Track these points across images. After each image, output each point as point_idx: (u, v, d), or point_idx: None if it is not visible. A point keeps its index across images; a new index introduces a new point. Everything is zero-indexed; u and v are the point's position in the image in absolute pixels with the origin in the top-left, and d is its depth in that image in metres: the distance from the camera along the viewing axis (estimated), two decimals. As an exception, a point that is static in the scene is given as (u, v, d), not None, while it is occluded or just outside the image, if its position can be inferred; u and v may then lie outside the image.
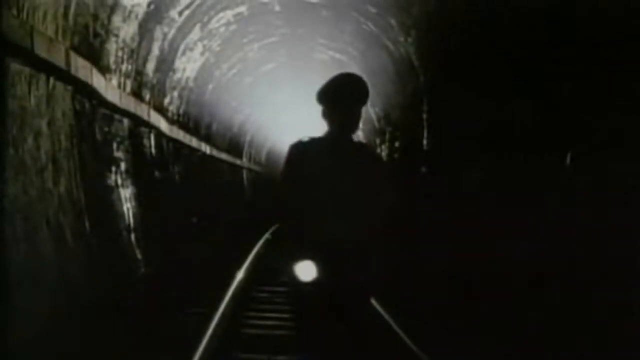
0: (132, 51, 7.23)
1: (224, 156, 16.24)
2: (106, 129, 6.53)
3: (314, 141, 3.67)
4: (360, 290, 3.64)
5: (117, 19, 6.42)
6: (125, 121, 7.29)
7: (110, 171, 6.60)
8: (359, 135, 15.35)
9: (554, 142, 5.04)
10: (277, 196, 3.72)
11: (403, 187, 9.82)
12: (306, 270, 3.50)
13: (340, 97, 3.60)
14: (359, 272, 3.56)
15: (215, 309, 6.80)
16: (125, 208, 6.87)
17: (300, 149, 3.65)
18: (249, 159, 22.23)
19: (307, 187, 3.56)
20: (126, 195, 6.99)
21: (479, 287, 5.98)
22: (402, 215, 3.68)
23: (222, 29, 10.66)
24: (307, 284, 3.52)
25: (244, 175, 20.74)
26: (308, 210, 3.56)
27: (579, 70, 4.64)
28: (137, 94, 7.77)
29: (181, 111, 11.12)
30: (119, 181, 6.84)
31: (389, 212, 3.65)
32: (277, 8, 10.40)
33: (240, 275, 8.98)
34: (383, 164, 3.99)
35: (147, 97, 8.40)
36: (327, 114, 3.67)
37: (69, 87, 5.17)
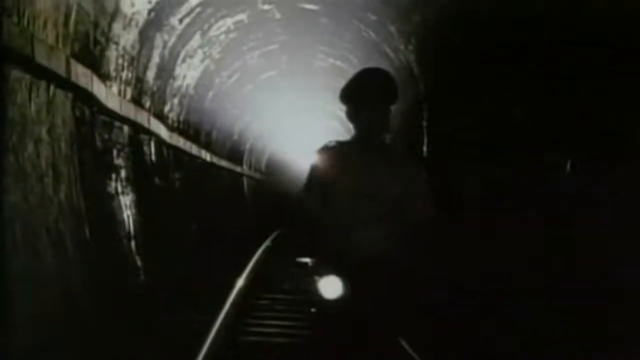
0: (132, 58, 7.24)
1: (224, 163, 16.24)
2: (106, 136, 6.54)
3: (341, 145, 3.38)
4: (390, 318, 3.29)
5: (117, 27, 6.44)
6: (126, 128, 7.30)
7: (111, 178, 6.60)
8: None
9: (554, 148, 5.04)
10: (300, 206, 3.43)
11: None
12: (331, 287, 3.20)
13: (366, 96, 3.26)
14: (391, 292, 3.23)
15: (216, 315, 6.80)
16: (125, 215, 6.87)
17: (326, 155, 3.37)
18: (249, 167, 22.24)
19: (334, 196, 3.27)
20: (126, 202, 6.99)
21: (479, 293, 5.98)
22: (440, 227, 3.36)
23: (223, 37, 10.67)
24: (330, 302, 3.21)
25: (244, 183, 20.75)
26: (334, 222, 3.27)
27: (579, 75, 4.64)
28: (137, 101, 7.78)
29: (181, 118, 11.13)
30: (119, 188, 6.84)
31: (426, 224, 3.29)
32: (278, 16, 10.42)
33: (240, 282, 8.98)
34: (419, 170, 3.52)
35: (148, 104, 8.41)
36: (352, 115, 3.33)
37: (70, 95, 5.18)
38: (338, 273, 3.19)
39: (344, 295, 3.19)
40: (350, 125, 3.39)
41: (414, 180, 3.34)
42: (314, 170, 3.38)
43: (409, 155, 3.49)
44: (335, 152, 3.36)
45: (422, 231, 3.32)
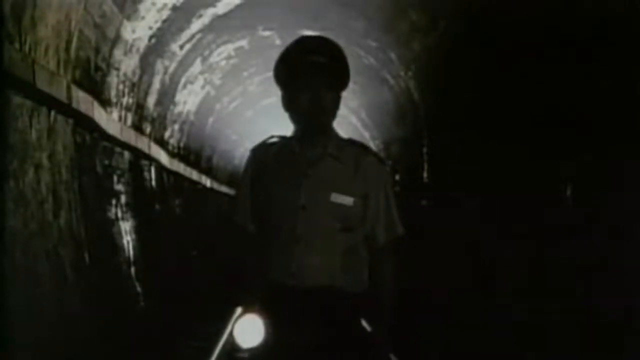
0: (133, 84, 7.27)
1: (224, 189, 16.24)
2: (107, 162, 6.54)
3: (281, 142, 2.59)
4: None
5: (118, 53, 6.46)
6: (126, 154, 7.30)
7: (111, 204, 6.59)
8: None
9: (555, 174, 5.04)
10: (232, 222, 2.66)
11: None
12: (248, 331, 2.38)
13: (304, 75, 2.43)
14: (338, 340, 2.39)
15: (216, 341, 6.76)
16: (125, 241, 6.85)
17: (261, 154, 2.59)
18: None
19: (269, 207, 2.47)
20: (126, 228, 6.97)
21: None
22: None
23: (223, 63, 10.73)
24: (250, 353, 2.45)
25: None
26: (270, 242, 2.48)
27: (583, 103, 4.64)
28: (137, 127, 7.79)
29: (182, 144, 11.15)
30: (119, 214, 6.83)
31: (388, 247, 2.52)
32: (278, 42, 10.47)
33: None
34: (383, 171, 2.58)
35: (148, 130, 8.43)
36: (286, 101, 2.53)
37: (70, 120, 5.18)
38: (262, 312, 2.41)
39: (268, 343, 2.38)
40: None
41: (376, 185, 2.50)
42: (246, 174, 2.60)
43: (369, 151, 2.57)
44: (274, 150, 2.57)
45: (387, 257, 2.54)
